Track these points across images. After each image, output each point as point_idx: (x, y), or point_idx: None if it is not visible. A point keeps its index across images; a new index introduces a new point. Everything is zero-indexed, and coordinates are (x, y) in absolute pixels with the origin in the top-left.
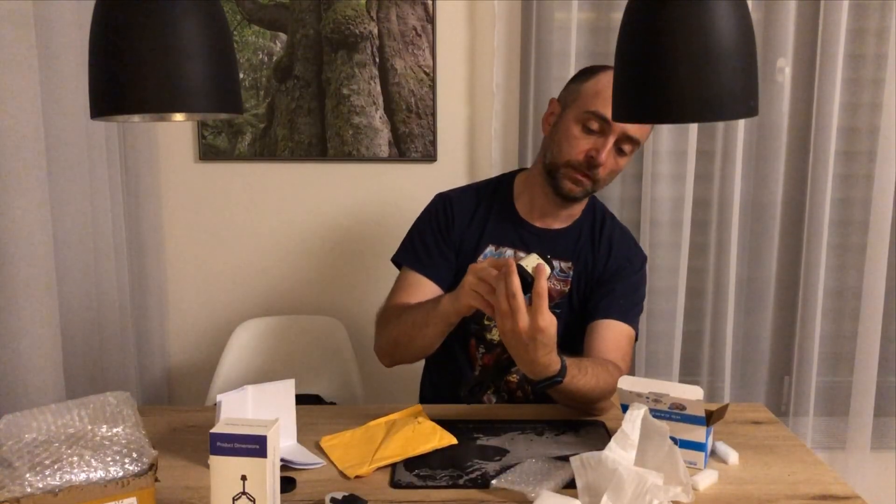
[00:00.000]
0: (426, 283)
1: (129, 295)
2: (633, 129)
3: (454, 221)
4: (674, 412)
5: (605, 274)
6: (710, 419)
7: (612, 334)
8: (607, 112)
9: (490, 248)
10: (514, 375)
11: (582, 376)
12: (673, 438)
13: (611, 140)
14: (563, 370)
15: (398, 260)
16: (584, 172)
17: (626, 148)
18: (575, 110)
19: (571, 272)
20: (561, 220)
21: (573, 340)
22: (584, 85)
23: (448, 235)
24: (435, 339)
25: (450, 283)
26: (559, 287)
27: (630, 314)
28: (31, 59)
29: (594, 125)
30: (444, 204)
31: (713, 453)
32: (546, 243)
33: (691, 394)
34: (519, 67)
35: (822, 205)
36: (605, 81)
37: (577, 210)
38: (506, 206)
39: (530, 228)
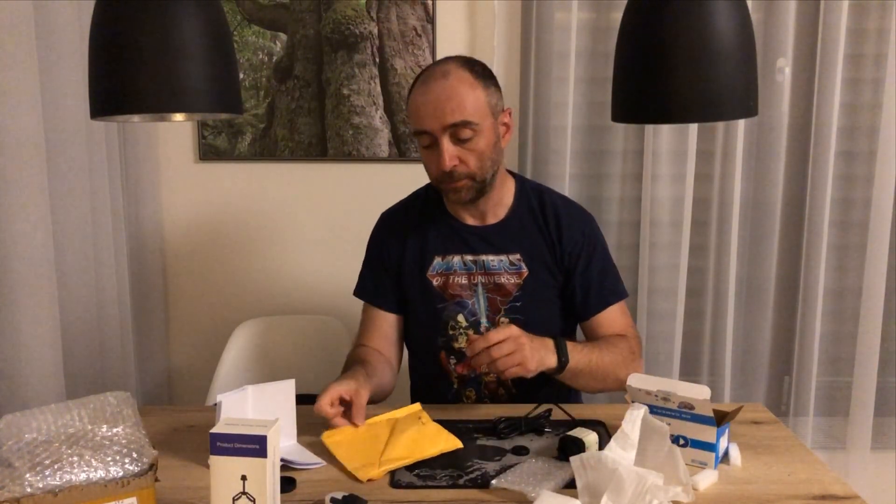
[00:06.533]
0: (381, 315)
1: (129, 295)
2: (448, 117)
3: (385, 244)
4: (683, 411)
5: (569, 257)
6: (721, 420)
7: (609, 320)
8: (423, 125)
9: (437, 260)
10: (492, 375)
11: (588, 350)
12: (684, 438)
13: (443, 143)
14: (562, 352)
15: (355, 294)
16: (451, 183)
17: (464, 133)
18: (415, 134)
19: (522, 263)
20: (490, 213)
21: (543, 324)
22: (407, 108)
23: (384, 260)
24: None
25: (400, 306)
26: (513, 280)
27: (616, 288)
28: (31, 59)
29: (425, 141)
30: (379, 227)
31: (726, 455)
32: (493, 239)
33: (698, 393)
34: (519, 67)
35: (822, 205)
36: (414, 98)
37: (498, 197)
38: (441, 212)
39: (470, 230)
